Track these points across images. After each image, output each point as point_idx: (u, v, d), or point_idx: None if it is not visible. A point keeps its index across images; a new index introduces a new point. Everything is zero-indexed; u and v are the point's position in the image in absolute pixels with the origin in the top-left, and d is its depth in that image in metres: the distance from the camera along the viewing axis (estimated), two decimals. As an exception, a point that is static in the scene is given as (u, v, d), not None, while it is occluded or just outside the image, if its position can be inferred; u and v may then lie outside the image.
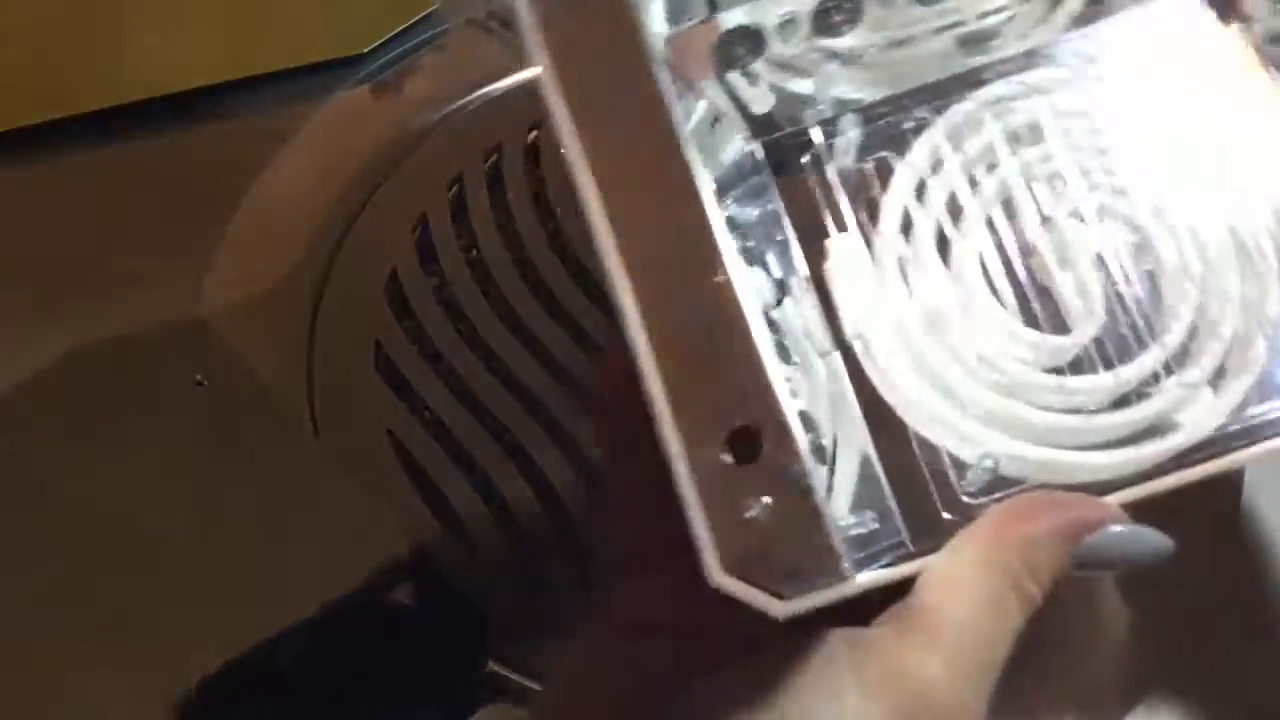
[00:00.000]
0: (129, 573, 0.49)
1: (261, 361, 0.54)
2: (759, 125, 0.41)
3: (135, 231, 0.58)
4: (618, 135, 0.32)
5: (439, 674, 0.48)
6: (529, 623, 0.50)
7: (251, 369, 0.53)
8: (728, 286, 0.31)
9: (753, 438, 0.30)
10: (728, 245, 0.31)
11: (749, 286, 0.32)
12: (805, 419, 0.35)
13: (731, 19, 0.37)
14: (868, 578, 0.31)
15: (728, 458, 0.30)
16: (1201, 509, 0.50)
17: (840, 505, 0.36)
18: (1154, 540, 0.32)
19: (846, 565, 0.29)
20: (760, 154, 0.40)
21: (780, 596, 0.29)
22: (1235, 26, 0.40)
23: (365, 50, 0.62)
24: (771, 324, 0.37)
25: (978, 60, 0.41)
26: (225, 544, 0.49)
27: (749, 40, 0.38)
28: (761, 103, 0.40)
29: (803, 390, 0.37)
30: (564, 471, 0.52)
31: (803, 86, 0.40)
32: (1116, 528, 0.32)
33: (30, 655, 0.48)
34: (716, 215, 0.31)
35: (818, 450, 0.36)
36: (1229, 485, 0.52)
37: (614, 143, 0.32)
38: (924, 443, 0.37)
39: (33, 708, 0.47)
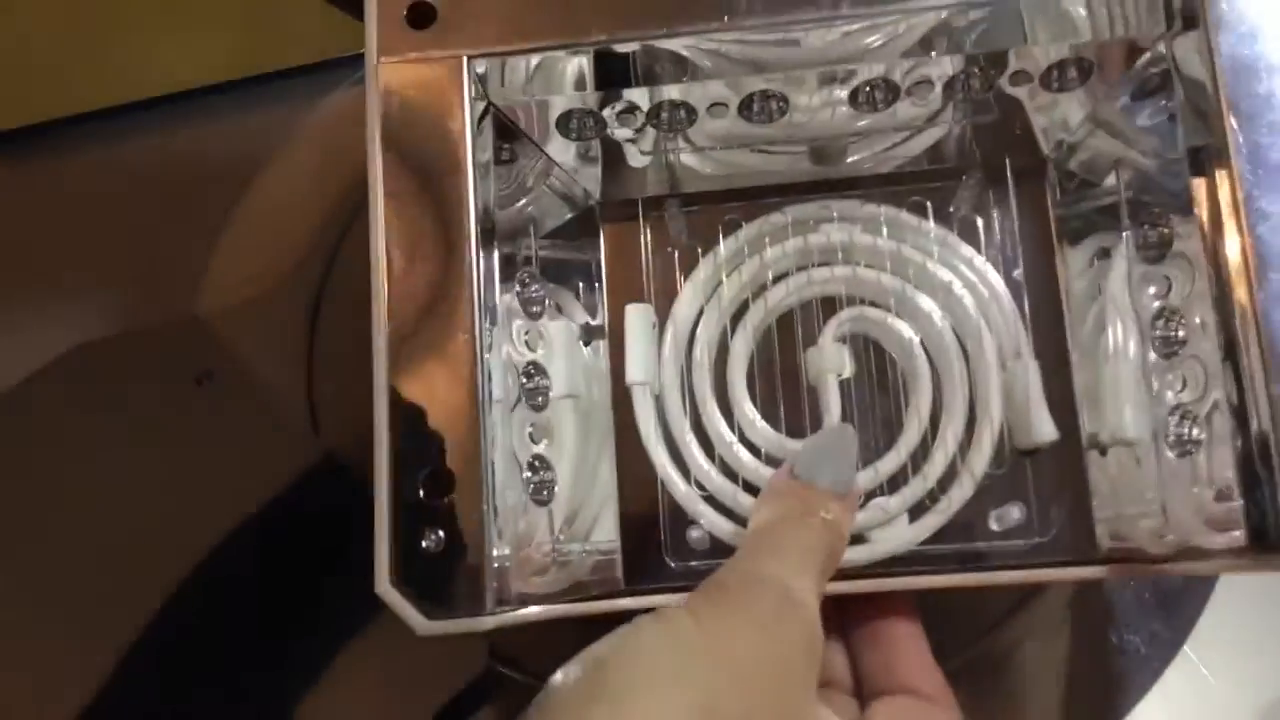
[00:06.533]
0: (129, 571, 0.49)
1: (261, 361, 0.54)
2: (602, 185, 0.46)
3: (135, 231, 0.58)
4: (416, 210, 0.37)
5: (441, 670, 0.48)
6: (529, 622, 0.50)
7: (251, 369, 0.53)
8: (469, 345, 0.36)
9: (448, 480, 0.35)
10: (482, 309, 0.36)
11: (497, 346, 0.37)
12: (540, 460, 0.41)
13: (568, 101, 0.41)
14: (508, 617, 0.36)
15: (421, 493, 0.35)
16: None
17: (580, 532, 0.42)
18: (833, 433, 0.38)
19: (489, 606, 0.34)
20: (596, 209, 0.46)
21: (426, 617, 0.34)
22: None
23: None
24: (532, 371, 0.42)
25: (820, 172, 0.45)
26: (224, 543, 0.49)
27: (588, 118, 0.42)
28: (593, 183, 0.45)
29: (562, 429, 0.42)
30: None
31: (638, 160, 0.45)
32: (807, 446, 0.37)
33: (31, 654, 0.48)
34: (479, 280, 0.37)
35: (543, 487, 0.41)
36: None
37: (412, 212, 0.37)
38: (667, 496, 0.42)
39: (32, 708, 0.47)
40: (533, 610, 0.36)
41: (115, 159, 0.59)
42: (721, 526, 0.41)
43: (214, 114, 0.60)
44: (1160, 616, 0.52)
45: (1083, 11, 0.38)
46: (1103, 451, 0.42)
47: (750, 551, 0.34)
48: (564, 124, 0.42)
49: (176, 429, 0.52)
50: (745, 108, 0.41)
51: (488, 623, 0.35)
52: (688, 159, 0.44)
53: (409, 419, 0.36)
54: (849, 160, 0.45)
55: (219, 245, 0.58)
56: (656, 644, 0.31)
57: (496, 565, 0.35)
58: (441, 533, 0.35)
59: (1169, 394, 0.38)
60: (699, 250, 0.45)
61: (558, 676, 0.31)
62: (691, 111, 0.42)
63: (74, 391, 0.53)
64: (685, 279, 0.44)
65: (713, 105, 0.41)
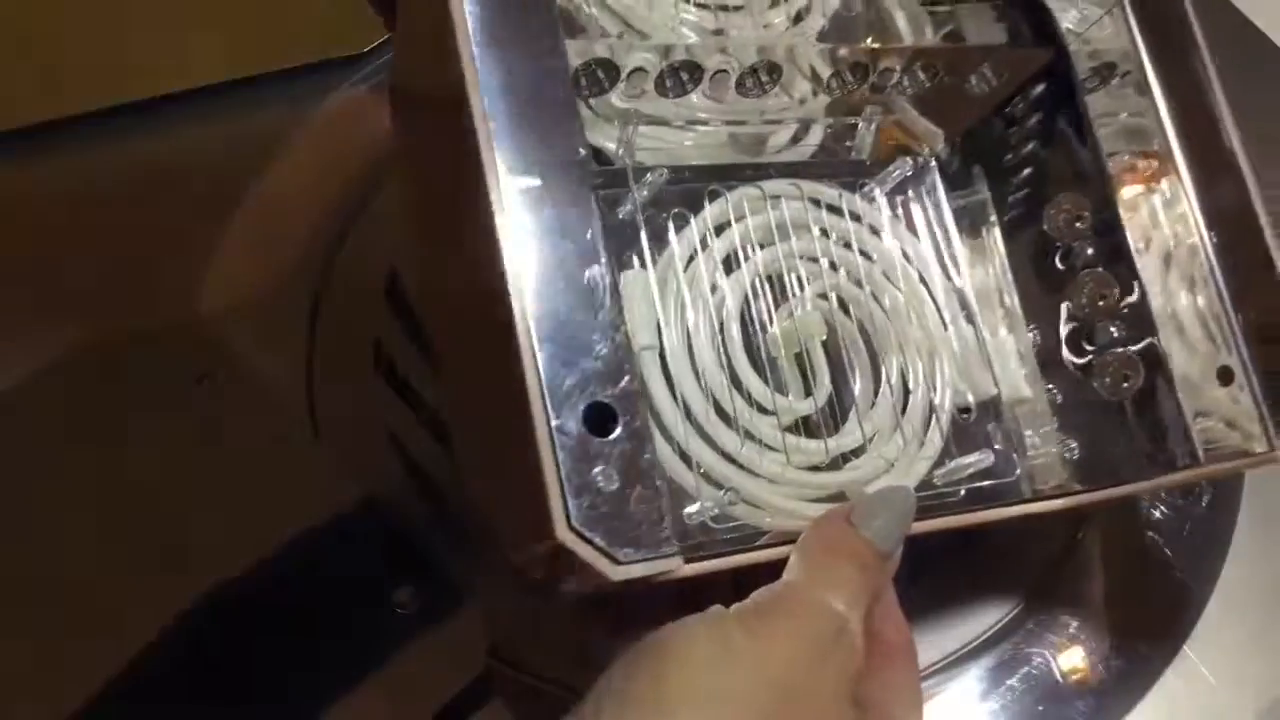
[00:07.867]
0: (129, 572, 0.49)
1: (261, 361, 0.54)
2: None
3: (135, 231, 0.58)
4: (532, 135, 0.35)
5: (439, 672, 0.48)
6: (529, 622, 0.50)
7: (251, 369, 0.53)
8: (603, 274, 0.34)
9: (609, 414, 0.33)
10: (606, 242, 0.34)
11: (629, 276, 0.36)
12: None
13: (600, 49, 0.40)
14: (694, 566, 0.34)
15: (583, 428, 0.32)
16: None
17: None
18: (900, 492, 0.38)
19: (672, 547, 0.32)
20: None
21: (615, 561, 0.32)
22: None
23: (365, 50, 0.62)
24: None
25: (743, 159, 0.46)
26: (225, 544, 0.49)
27: (603, 71, 0.41)
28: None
29: (650, 382, 0.40)
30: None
31: (610, 140, 0.44)
32: (866, 491, 0.39)
33: (30, 654, 0.48)
34: (597, 213, 0.35)
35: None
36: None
37: (526, 142, 0.35)
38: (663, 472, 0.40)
39: (31, 707, 0.47)
40: (724, 560, 0.35)
41: (115, 159, 0.59)
42: (748, 488, 0.40)
43: (214, 114, 0.60)
44: (1160, 616, 0.52)
45: None
46: (1010, 408, 0.47)
47: (809, 577, 0.36)
48: (577, 75, 0.41)
49: (176, 429, 0.52)
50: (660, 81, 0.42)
51: (676, 565, 0.32)
52: (646, 138, 0.45)
53: (552, 351, 0.33)
54: (804, 144, 0.48)
55: (219, 245, 0.58)
56: (712, 657, 0.33)
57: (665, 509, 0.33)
58: (614, 471, 0.32)
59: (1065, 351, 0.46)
60: (671, 220, 0.44)
61: (615, 681, 0.33)
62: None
63: (74, 391, 0.53)
64: (675, 242, 0.44)
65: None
